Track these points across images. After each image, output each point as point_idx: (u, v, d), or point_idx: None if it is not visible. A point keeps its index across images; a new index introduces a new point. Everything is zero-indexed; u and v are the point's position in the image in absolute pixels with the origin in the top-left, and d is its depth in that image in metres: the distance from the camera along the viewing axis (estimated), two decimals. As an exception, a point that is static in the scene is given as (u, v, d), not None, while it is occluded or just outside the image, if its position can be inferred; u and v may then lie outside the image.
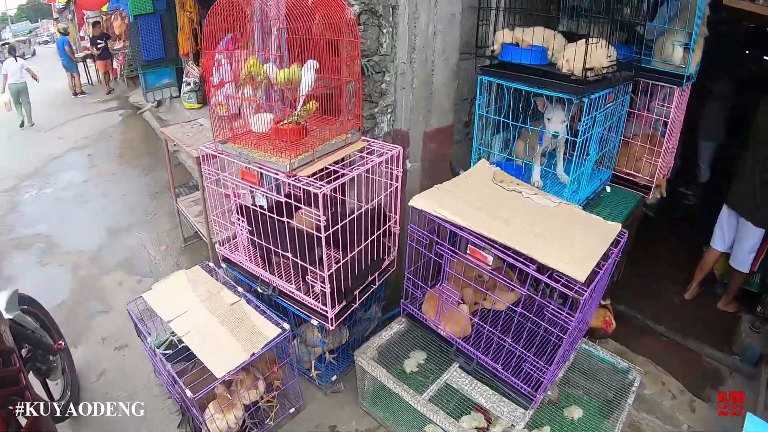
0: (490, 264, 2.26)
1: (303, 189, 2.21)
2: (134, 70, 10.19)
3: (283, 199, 2.36)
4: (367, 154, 2.52)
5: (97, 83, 13.55)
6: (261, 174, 2.33)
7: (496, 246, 2.20)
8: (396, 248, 2.90)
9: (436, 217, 2.35)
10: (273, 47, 2.41)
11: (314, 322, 2.63)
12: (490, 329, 2.48)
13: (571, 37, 2.69)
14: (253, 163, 2.33)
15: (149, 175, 6.56)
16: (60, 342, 3.06)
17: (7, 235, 5.32)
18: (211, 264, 3.05)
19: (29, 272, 4.59)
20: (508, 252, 2.16)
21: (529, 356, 2.37)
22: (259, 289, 2.79)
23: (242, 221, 2.58)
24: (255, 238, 2.57)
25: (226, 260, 2.98)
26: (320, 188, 2.10)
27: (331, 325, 2.54)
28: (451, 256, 2.46)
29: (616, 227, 2.38)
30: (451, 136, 3.37)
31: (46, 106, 11.25)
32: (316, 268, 2.41)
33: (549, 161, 3.04)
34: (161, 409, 3.04)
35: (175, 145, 3.93)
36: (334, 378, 3.21)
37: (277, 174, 2.26)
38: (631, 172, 3.28)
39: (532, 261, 2.10)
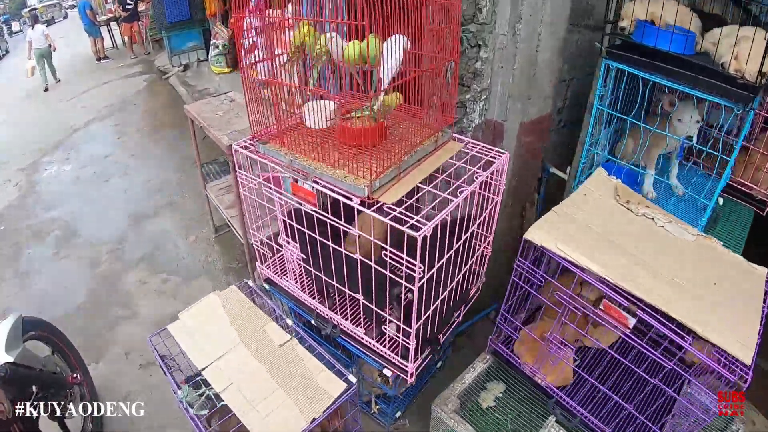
0: (630, 327, 1.75)
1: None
2: (158, 32, 9.60)
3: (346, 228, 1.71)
4: (463, 162, 1.85)
5: (122, 47, 12.93)
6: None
7: (640, 304, 1.67)
8: (484, 272, 2.27)
9: (563, 258, 1.75)
10: (332, 9, 1.73)
11: (387, 372, 2.03)
12: (604, 389, 2.04)
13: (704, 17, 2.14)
14: (313, 178, 1.68)
15: (175, 149, 5.97)
16: (76, 374, 2.56)
17: (25, 220, 4.87)
18: (250, 284, 2.45)
19: (45, 267, 4.12)
20: (656, 314, 1.64)
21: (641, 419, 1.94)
22: (313, 322, 2.19)
23: (293, 246, 1.96)
24: (312, 269, 1.95)
25: (269, 281, 2.37)
26: (418, 227, 1.45)
27: (411, 378, 1.95)
28: (566, 298, 1.85)
29: (761, 274, 1.90)
30: (548, 127, 2.69)
31: (69, 73, 10.78)
32: (394, 314, 1.79)
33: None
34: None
35: (201, 126, 3.29)
36: (398, 414, 2.67)
37: (349, 198, 1.61)
38: (747, 182, 2.57)
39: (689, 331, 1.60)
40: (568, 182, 2.60)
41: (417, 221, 1.43)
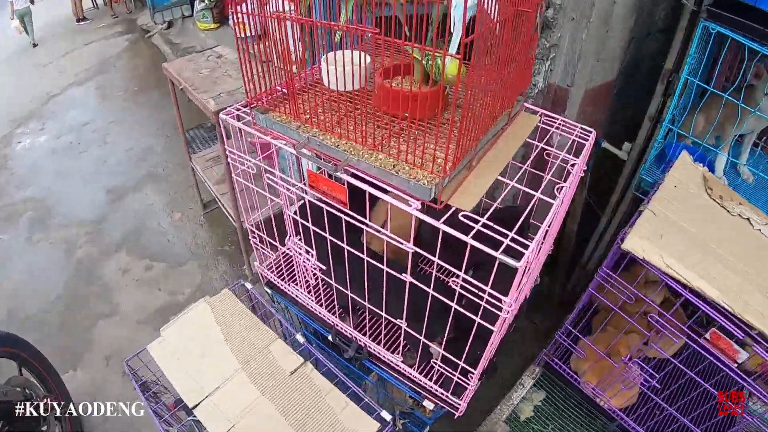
0: (739, 361, 1.45)
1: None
2: (138, -13, 8.94)
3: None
4: (544, 144, 1.33)
5: (102, 7, 12.10)
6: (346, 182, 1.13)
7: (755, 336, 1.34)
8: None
9: (671, 278, 1.39)
10: None
11: (429, 405, 1.57)
12: (675, 413, 1.79)
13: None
14: (346, 168, 1.12)
15: (159, 114, 5.40)
16: (49, 399, 2.12)
17: (-4, 201, 4.33)
18: (248, 286, 1.96)
19: (17, 255, 3.64)
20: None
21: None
22: (330, 338, 1.72)
23: (308, 253, 1.46)
24: (334, 283, 1.46)
25: (272, 286, 1.89)
26: (518, 252, 0.96)
27: (460, 412, 1.49)
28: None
29: None
30: (610, 95, 2.19)
31: (47, 36, 10.03)
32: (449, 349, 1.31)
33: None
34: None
35: (182, 88, 2.74)
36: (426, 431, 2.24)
37: (408, 201, 1.05)
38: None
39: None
40: (627, 163, 2.15)
41: (513, 241, 0.93)
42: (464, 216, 0.98)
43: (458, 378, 1.37)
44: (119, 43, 8.74)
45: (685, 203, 1.65)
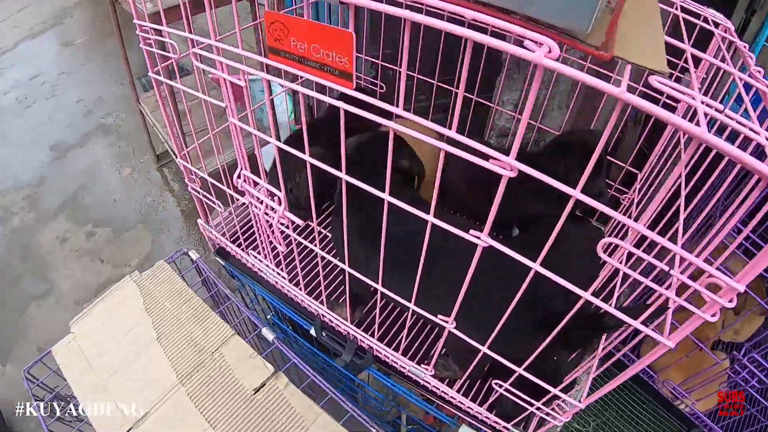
0: None
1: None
2: None
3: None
4: None
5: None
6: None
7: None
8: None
9: None
10: None
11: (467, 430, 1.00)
12: None
13: None
14: None
15: (114, 62, 4.68)
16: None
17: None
18: (193, 256, 1.35)
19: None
20: None
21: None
22: (313, 334, 1.12)
23: (275, 199, 0.84)
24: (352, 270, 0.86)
25: (223, 254, 1.28)
26: None
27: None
28: None
29: None
30: None
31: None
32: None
33: None
34: None
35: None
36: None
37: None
38: None
39: None
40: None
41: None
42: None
43: (533, 405, 0.78)
44: (81, -11, 7.89)
45: None
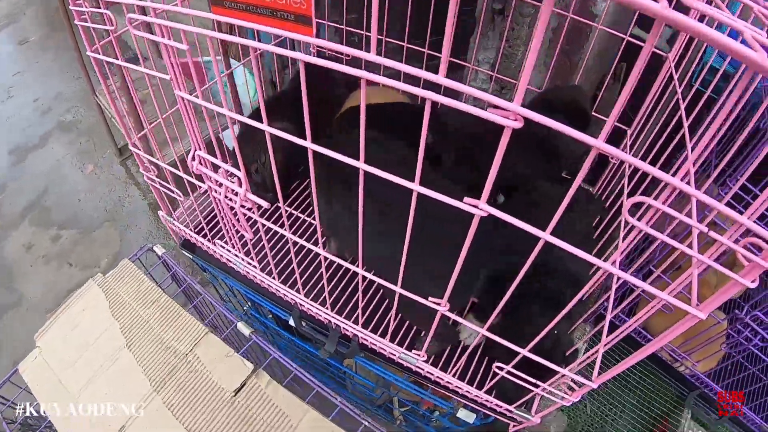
0: None
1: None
2: None
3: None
4: None
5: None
6: None
7: None
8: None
9: None
10: None
11: (466, 416, 0.93)
12: None
13: None
14: None
15: (69, 56, 4.48)
16: None
17: None
18: (158, 252, 1.25)
19: None
20: None
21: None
22: (292, 323, 1.04)
23: (235, 180, 0.75)
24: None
25: (189, 246, 1.19)
26: None
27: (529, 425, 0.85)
28: None
29: None
30: None
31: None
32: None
33: None
34: None
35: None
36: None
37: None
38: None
39: None
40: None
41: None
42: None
43: (539, 387, 0.71)
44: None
45: None
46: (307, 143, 0.56)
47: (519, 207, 1.05)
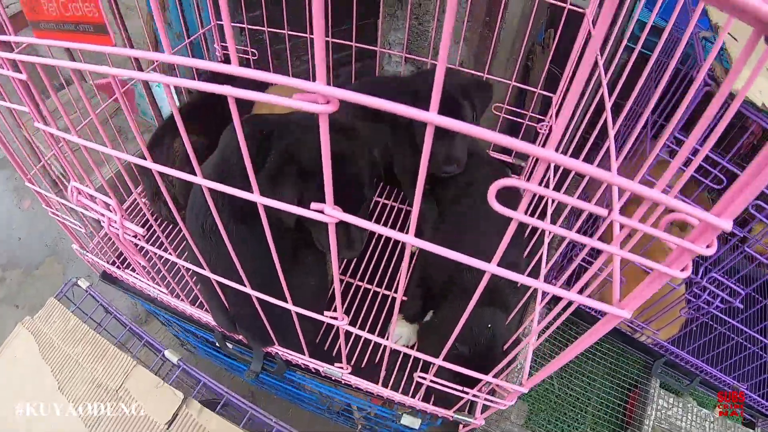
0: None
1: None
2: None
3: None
4: None
5: None
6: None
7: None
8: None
9: None
10: None
11: (410, 421, 0.90)
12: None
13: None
14: None
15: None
16: None
17: None
18: (82, 285, 1.20)
19: None
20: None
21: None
22: (218, 344, 1.00)
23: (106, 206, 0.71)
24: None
25: (107, 276, 1.14)
26: None
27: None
28: None
29: None
30: None
31: None
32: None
33: None
34: None
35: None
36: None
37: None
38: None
39: None
40: None
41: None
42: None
43: (468, 393, 0.68)
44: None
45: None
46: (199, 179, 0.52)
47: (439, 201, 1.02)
